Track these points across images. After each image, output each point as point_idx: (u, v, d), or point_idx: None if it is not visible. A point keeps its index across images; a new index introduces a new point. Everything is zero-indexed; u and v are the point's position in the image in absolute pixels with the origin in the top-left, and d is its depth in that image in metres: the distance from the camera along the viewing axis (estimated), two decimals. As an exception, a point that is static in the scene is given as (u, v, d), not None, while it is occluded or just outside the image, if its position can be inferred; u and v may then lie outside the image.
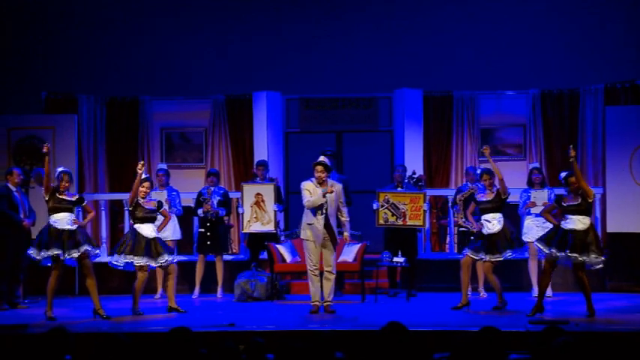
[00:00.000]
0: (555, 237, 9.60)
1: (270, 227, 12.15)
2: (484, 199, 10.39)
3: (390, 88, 14.41)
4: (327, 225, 10.15)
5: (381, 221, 11.85)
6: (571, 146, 9.92)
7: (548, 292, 10.94)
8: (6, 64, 14.16)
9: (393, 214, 11.80)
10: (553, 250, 9.57)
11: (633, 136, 12.36)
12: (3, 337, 8.29)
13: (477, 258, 10.37)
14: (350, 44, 14.49)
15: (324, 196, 10.06)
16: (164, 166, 12.66)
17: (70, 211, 9.91)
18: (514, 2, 14.40)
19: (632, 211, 12.30)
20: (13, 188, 11.25)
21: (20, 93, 14.00)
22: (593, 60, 13.81)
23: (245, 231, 12.35)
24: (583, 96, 13.89)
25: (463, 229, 11.75)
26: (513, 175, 13.36)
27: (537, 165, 12.42)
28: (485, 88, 14.36)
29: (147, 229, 10.13)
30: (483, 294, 11.64)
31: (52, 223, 9.79)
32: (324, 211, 10.12)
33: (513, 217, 11.98)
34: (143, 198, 10.22)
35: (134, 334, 8.15)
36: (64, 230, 9.74)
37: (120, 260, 10.07)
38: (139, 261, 10.02)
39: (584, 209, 9.58)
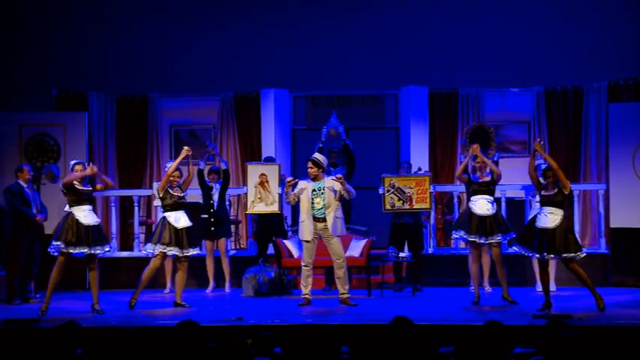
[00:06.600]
0: (532, 238, 9.65)
1: (274, 208, 12.24)
2: (478, 180, 10.52)
3: (396, 86, 14.48)
4: (320, 220, 10.30)
5: (388, 206, 11.85)
6: (539, 139, 10.47)
7: (552, 287, 11.02)
8: (17, 62, 14.19)
9: (399, 199, 11.79)
10: (534, 253, 9.67)
11: (636, 133, 12.35)
12: (15, 332, 8.36)
13: (472, 239, 10.36)
14: (357, 42, 14.52)
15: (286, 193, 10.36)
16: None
17: (91, 202, 9.95)
18: (519, 0, 14.46)
19: (635, 207, 12.30)
20: (24, 185, 11.33)
21: (31, 90, 14.04)
22: (597, 57, 13.82)
23: (249, 212, 12.49)
24: (587, 93, 13.94)
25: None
26: (518, 172, 13.44)
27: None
28: (490, 86, 14.41)
29: (178, 219, 10.31)
30: (488, 288, 11.69)
31: (76, 217, 9.70)
32: (313, 209, 10.29)
33: (516, 214, 12.08)
34: (173, 187, 10.42)
35: (144, 327, 8.27)
36: (89, 226, 9.73)
37: (155, 250, 10.24)
38: (171, 250, 10.20)
39: (559, 201, 9.59)
